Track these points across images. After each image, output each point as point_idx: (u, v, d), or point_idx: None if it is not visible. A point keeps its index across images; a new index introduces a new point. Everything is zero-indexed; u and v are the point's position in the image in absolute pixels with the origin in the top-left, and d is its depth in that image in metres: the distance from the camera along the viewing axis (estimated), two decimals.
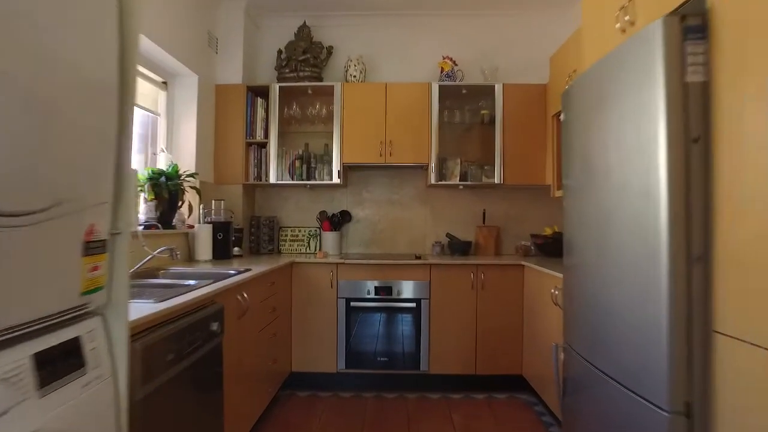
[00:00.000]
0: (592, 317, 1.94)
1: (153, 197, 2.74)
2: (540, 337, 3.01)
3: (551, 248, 3.74)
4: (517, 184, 3.72)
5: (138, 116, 3.16)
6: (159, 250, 2.33)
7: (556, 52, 3.18)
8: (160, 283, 2.23)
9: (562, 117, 2.28)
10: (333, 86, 3.72)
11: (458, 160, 3.80)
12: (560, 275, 2.57)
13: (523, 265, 3.39)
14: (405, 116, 3.71)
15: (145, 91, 3.17)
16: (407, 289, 3.43)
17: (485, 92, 3.79)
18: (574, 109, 2.14)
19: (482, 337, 3.41)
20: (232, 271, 2.61)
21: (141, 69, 3.05)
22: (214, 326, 1.85)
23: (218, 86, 3.73)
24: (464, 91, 3.83)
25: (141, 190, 2.76)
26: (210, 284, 2.09)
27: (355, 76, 3.86)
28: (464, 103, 3.90)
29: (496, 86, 3.69)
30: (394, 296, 3.44)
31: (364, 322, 3.45)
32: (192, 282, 2.18)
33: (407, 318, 3.45)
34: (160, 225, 2.65)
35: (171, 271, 2.64)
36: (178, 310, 1.65)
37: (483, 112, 3.83)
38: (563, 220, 2.28)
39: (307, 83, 3.74)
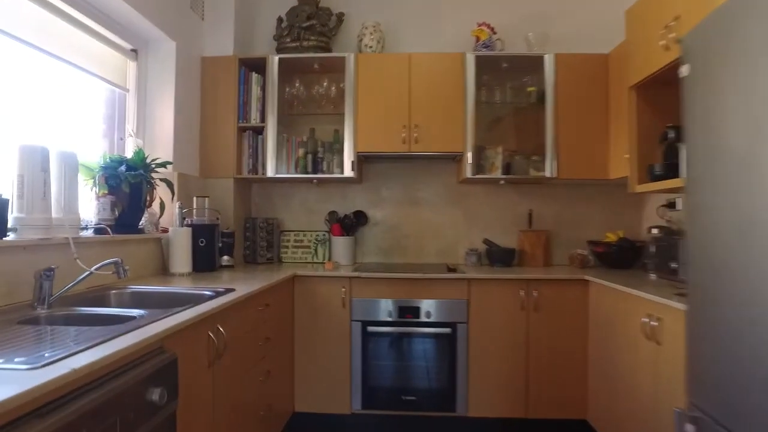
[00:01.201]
0: (746, 371, 1.20)
1: (106, 192, 2.05)
2: (621, 379, 2.27)
3: (616, 258, 3.01)
4: (574, 178, 2.99)
5: (101, 91, 2.48)
6: (99, 265, 1.64)
7: (637, 2, 2.45)
8: (91, 315, 1.53)
9: (683, 72, 1.55)
10: (344, 58, 3.02)
11: (499, 149, 3.07)
12: (657, 299, 1.84)
13: (587, 281, 2.65)
14: (433, 95, 2.99)
15: (109, 59, 2.49)
16: (439, 309, 2.72)
17: (532, 65, 3.07)
18: (707, 62, 1.41)
19: (535, 371, 2.68)
20: (208, 292, 1.91)
21: (103, 31, 2.38)
22: (154, 395, 1.15)
23: (204, 59, 3.05)
24: (505, 65, 3.11)
25: (90, 183, 2.08)
26: (162, 316, 1.40)
27: (371, 47, 3.16)
28: (506, 79, 3.17)
29: (545, 57, 2.97)
30: (423, 319, 2.72)
31: (385, 351, 2.74)
32: (139, 312, 1.49)
33: (439, 346, 2.73)
34: (109, 229, 1.95)
35: (128, 291, 1.95)
36: (77, 381, 0.94)
37: (530, 89, 3.10)
38: (686, 224, 1.55)
39: (312, 54, 3.04)
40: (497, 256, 3.16)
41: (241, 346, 1.91)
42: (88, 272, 1.62)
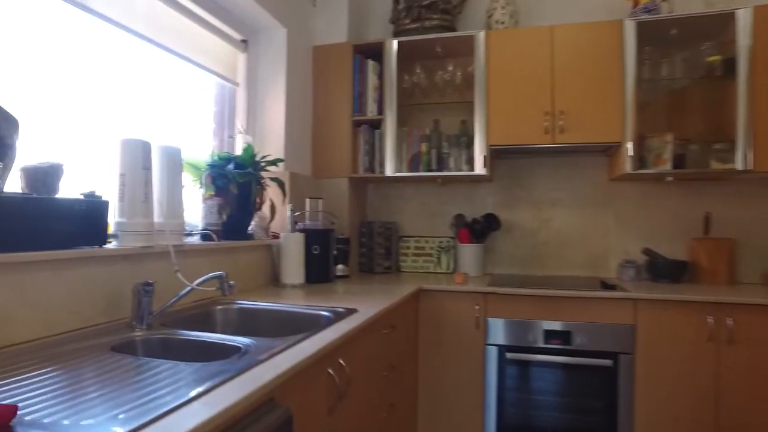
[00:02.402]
0: None
1: (212, 193, 1.81)
2: None
3: None
4: None
5: (210, 87, 2.29)
6: (201, 280, 1.37)
7: None
8: (191, 341, 1.25)
9: None
10: (472, 37, 2.59)
11: (668, 137, 2.45)
12: None
13: None
14: (582, 74, 2.46)
15: (219, 51, 2.30)
16: (596, 336, 2.18)
17: (714, 27, 2.42)
18: None
19: (727, 419, 2.05)
20: (325, 313, 1.58)
21: (213, 21, 2.19)
22: None
23: (317, 47, 2.79)
24: (674, 31, 2.48)
25: (197, 184, 1.86)
26: (274, 351, 1.07)
27: (503, 23, 2.69)
28: (676, 49, 2.54)
29: (739, 13, 2.30)
30: (575, 346, 2.20)
31: (526, 383, 2.26)
32: (245, 343, 1.18)
33: (596, 382, 2.19)
34: (214, 235, 1.70)
35: (235, 307, 1.69)
36: None
37: (711, 59, 2.45)
38: None
39: (435, 35, 2.65)
40: (663, 270, 2.54)
41: (365, 379, 1.56)
42: (189, 288, 1.36)
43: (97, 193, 1.37)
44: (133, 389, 0.83)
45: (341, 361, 1.33)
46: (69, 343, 1.13)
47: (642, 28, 2.43)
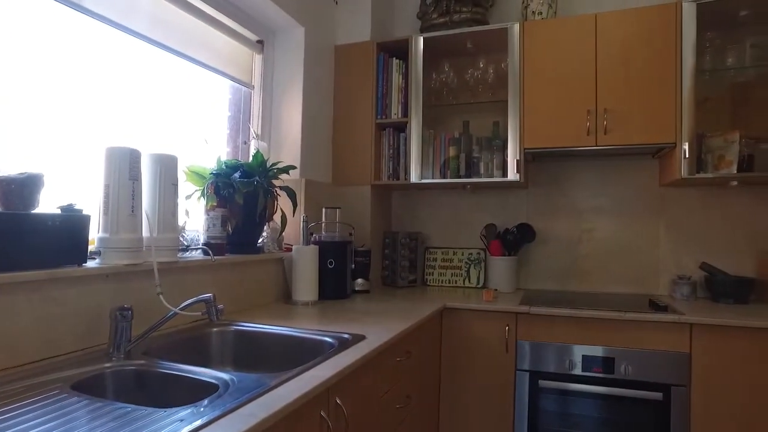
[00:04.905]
0: None
1: (214, 204, 1.68)
2: None
3: None
4: None
5: (224, 92, 2.18)
6: (185, 303, 1.23)
7: None
8: (169, 376, 1.11)
9: None
10: (506, 29, 2.37)
11: (734, 136, 2.14)
12: None
13: None
14: (631, 67, 2.19)
15: (234, 55, 2.18)
16: (644, 364, 1.92)
17: None
18: None
19: None
20: (329, 339, 1.42)
21: (228, 22, 2.07)
22: None
23: (338, 47, 2.63)
24: (744, 12, 2.18)
25: (200, 194, 1.74)
26: (255, 393, 0.92)
27: (540, 13, 2.45)
28: (744, 34, 2.24)
29: None
30: (619, 375, 1.94)
31: (563, 416, 2.01)
32: (225, 380, 1.03)
33: (644, 416, 1.92)
34: (211, 250, 1.56)
35: (231, 329, 1.55)
36: None
37: None
38: None
39: (465, 29, 2.44)
40: (724, 288, 2.22)
41: (372, 415, 1.37)
42: (172, 312, 1.22)
43: (76, 206, 1.26)
44: None
45: (338, 401, 1.16)
46: (28, 377, 1.01)
47: (703, 11, 2.13)
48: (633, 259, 2.49)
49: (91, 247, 1.29)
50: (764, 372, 1.80)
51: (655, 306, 2.05)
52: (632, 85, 2.18)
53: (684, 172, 2.11)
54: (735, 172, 2.11)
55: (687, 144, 2.11)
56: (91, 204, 1.46)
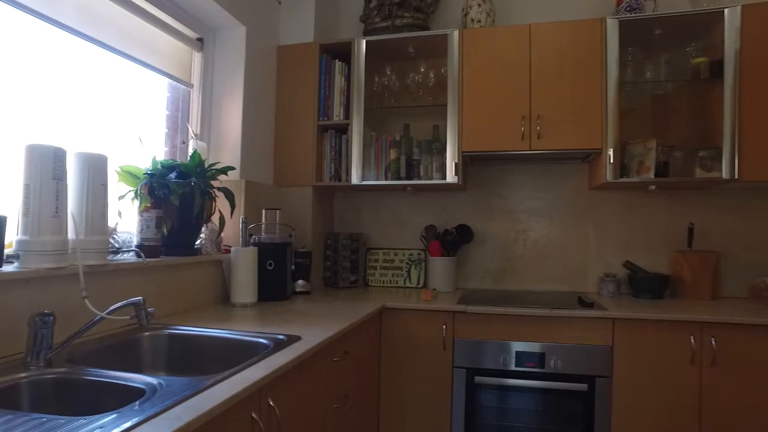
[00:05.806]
0: None
1: (148, 205, 1.64)
2: None
3: None
4: (766, 180, 2.15)
5: (162, 90, 2.12)
6: (112, 308, 1.19)
7: None
8: (91, 383, 1.07)
9: None
10: (446, 36, 2.43)
11: (651, 144, 2.30)
12: None
13: None
14: (562, 76, 2.31)
15: (173, 50, 2.12)
16: (571, 358, 2.03)
17: (700, 27, 2.28)
18: None
19: None
20: (264, 340, 1.42)
21: (166, 18, 2.02)
22: None
23: (280, 48, 2.62)
24: (658, 31, 2.34)
25: (134, 195, 1.69)
26: (182, 396, 0.91)
27: (479, 21, 2.54)
28: (660, 50, 2.41)
29: (726, 12, 2.16)
30: (549, 369, 2.04)
31: (498, 409, 2.10)
32: (153, 384, 1.01)
33: (571, 407, 2.03)
34: (142, 253, 1.52)
35: (165, 333, 1.51)
36: None
37: (696, 60, 2.31)
38: None
39: (406, 34, 2.49)
40: (644, 285, 2.39)
41: (307, 415, 1.38)
42: (98, 317, 1.18)
43: None
44: None
45: (270, 402, 1.16)
46: None
47: (625, 27, 2.28)
48: (564, 258, 2.62)
49: (8, 251, 1.22)
50: (678, 361, 1.94)
51: (583, 303, 2.17)
52: (564, 94, 2.30)
53: (609, 176, 2.25)
54: (652, 177, 2.27)
55: (612, 150, 2.25)
56: (9, 205, 1.39)
